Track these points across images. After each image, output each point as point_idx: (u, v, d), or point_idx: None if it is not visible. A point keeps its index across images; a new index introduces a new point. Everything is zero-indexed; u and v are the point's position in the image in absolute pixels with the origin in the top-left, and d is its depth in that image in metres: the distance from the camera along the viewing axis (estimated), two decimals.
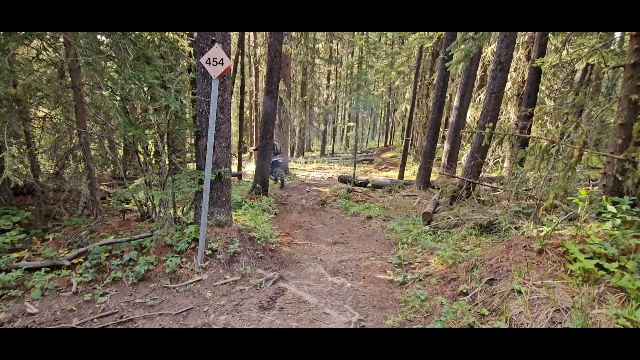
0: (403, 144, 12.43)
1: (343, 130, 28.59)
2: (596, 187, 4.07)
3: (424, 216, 6.03)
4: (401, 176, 11.81)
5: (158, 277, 3.63)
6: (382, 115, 32.32)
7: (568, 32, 6.72)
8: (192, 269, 3.76)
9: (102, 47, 4.39)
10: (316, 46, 19.52)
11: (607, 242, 2.50)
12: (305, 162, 19.25)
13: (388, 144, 28.32)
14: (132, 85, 4.00)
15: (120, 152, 7.42)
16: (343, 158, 20.85)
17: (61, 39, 4.48)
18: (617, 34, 10.31)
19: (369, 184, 10.32)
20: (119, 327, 2.86)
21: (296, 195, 9.86)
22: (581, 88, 7.61)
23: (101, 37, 4.83)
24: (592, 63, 7.60)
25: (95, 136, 5.88)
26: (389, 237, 5.73)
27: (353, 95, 10.06)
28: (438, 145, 14.67)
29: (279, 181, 10.71)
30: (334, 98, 24.55)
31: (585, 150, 3.41)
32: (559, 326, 1.94)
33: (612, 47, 8.21)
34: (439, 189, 7.77)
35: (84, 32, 4.17)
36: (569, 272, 2.41)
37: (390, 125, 28.98)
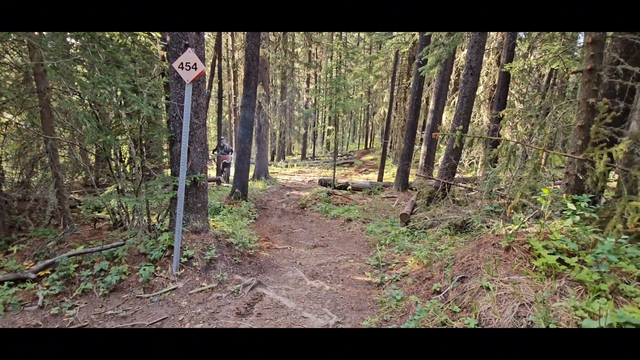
0: (382, 146, 12.63)
1: (323, 133, 28.73)
2: (559, 186, 4.29)
3: (402, 217, 6.15)
4: (380, 178, 11.98)
5: (131, 287, 3.52)
6: (362, 119, 32.70)
7: (533, 38, 7.06)
8: (167, 278, 3.67)
9: (71, 51, 4.26)
10: (295, 50, 19.58)
11: (568, 238, 2.64)
12: (286, 166, 19.20)
13: (368, 146, 28.68)
14: (102, 90, 3.89)
15: (92, 158, 7.17)
16: (324, 161, 20.94)
17: (25, 42, 4.30)
18: (580, 41, 10.91)
19: (349, 187, 10.42)
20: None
21: (276, 199, 9.82)
22: (547, 92, 8.00)
23: (70, 40, 4.67)
24: (556, 68, 8.00)
25: (65, 142, 5.67)
26: (368, 239, 5.79)
27: (332, 98, 10.15)
28: (416, 147, 15.01)
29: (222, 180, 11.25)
30: (313, 101, 24.64)
31: (549, 151, 3.58)
32: (523, 320, 2.03)
33: (575, 53, 8.67)
34: (416, 190, 7.93)
35: (50, 35, 4.03)
36: (533, 267, 2.53)
37: (370, 128, 29.37)
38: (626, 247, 2.52)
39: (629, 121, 6.52)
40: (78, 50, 4.20)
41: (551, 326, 1.86)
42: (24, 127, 5.07)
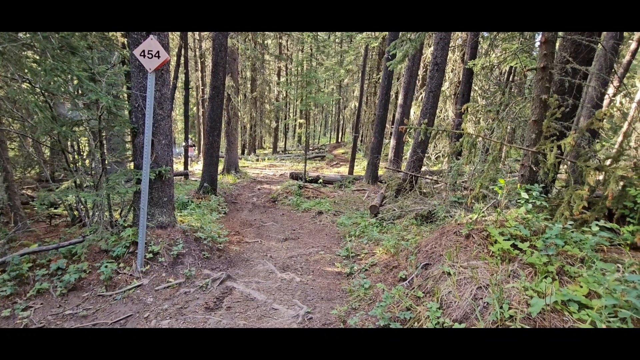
0: (353, 140, 12.79)
1: (295, 127, 28.59)
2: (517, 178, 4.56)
3: (371, 209, 6.29)
4: (351, 172, 12.15)
5: (92, 286, 3.36)
6: (333, 113, 32.87)
7: (493, 37, 7.41)
8: (131, 275, 3.54)
9: (20, 35, 3.93)
10: (265, 42, 19.22)
11: (521, 225, 2.83)
12: (257, 160, 18.95)
13: (339, 140, 28.91)
14: (56, 78, 3.63)
15: (46, 151, 6.70)
16: (295, 155, 20.87)
17: None
18: (537, 40, 11.55)
19: (320, 180, 10.48)
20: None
21: (247, 193, 9.69)
22: (506, 88, 8.44)
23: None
24: (514, 66, 8.45)
25: (14, 134, 5.25)
26: (339, 231, 5.89)
27: (303, 92, 10.11)
28: (386, 141, 15.34)
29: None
30: (285, 94, 24.41)
31: (506, 144, 3.80)
32: (480, 302, 2.17)
33: (534, 53, 9.18)
34: (386, 183, 8.14)
35: None
36: (490, 253, 2.70)
37: (341, 122, 29.59)
38: (572, 232, 2.75)
39: (578, 116, 7.04)
40: (27, 35, 3.88)
41: (504, 306, 2.00)
42: None
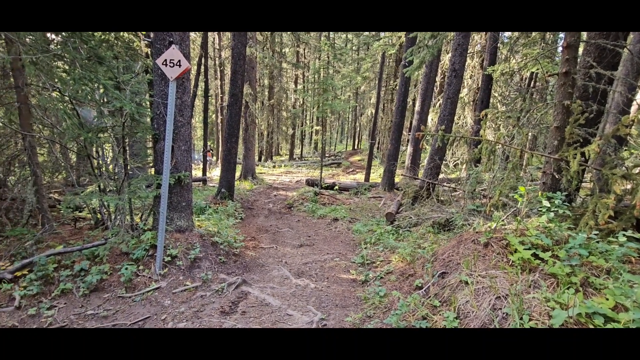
0: (369, 147, 12.75)
1: (311, 134, 28.77)
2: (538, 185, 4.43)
3: (387, 217, 6.23)
4: (367, 179, 12.09)
5: (112, 287, 3.46)
6: (350, 120, 32.90)
7: (513, 42, 7.27)
8: (149, 277, 3.63)
9: (51, 46, 4.16)
10: (283, 50, 19.55)
11: (543, 234, 2.74)
12: (274, 166, 19.14)
13: (356, 147, 28.85)
14: (83, 87, 3.81)
15: (73, 157, 7.00)
16: (311, 162, 20.97)
17: (2, 36, 4.18)
18: (559, 45, 11.27)
19: (336, 187, 10.47)
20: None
21: (263, 199, 9.79)
22: (527, 94, 8.24)
23: (50, 36, 4.57)
24: (535, 72, 8.25)
25: (44, 140, 5.51)
26: (354, 238, 5.85)
27: (320, 99, 10.19)
28: (402, 148, 15.20)
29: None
30: (301, 102, 24.66)
31: (526, 151, 3.70)
32: (499, 312, 2.10)
33: (557, 58, 8.95)
34: (402, 190, 8.05)
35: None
36: (510, 262, 2.61)
37: (358, 129, 29.56)
38: (597, 242, 2.63)
39: (603, 123, 6.78)
40: (58, 46, 4.11)
41: (524, 317, 1.94)
42: (0, 124, 4.92)
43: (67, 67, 4.12)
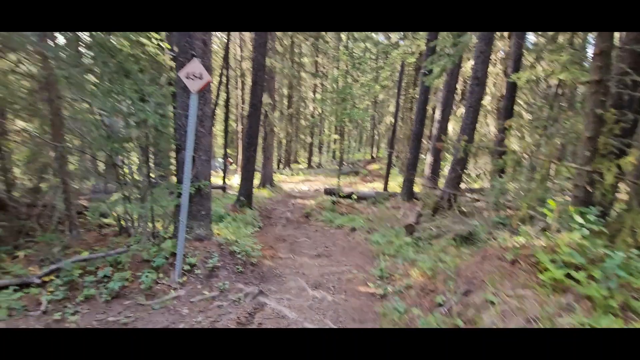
0: (387, 156, 12.61)
1: (329, 142, 28.82)
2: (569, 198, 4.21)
3: (407, 228, 6.09)
4: (385, 188, 11.93)
5: (133, 294, 3.52)
6: (368, 128, 32.74)
7: (540, 49, 7.04)
8: (169, 285, 3.67)
9: (84, 60, 4.36)
10: (302, 60, 19.81)
11: (576, 252, 2.58)
12: (292, 174, 19.25)
13: (374, 156, 28.62)
14: (110, 99, 3.96)
15: (102, 166, 7.27)
16: (329, 170, 20.95)
17: (38, 52, 4.42)
18: (589, 52, 10.85)
19: (354, 196, 10.38)
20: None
21: (281, 207, 9.82)
22: (554, 102, 7.94)
23: (82, 50, 4.80)
24: (564, 79, 7.95)
25: (75, 150, 5.76)
26: (372, 249, 5.74)
27: (338, 108, 10.20)
28: (422, 157, 14.94)
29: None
30: (320, 111, 24.80)
31: (555, 162, 3.53)
32: None
33: (585, 64, 8.60)
34: (422, 200, 7.87)
35: (62, 46, 4.14)
36: (539, 281, 2.47)
37: (376, 137, 29.37)
38: (637, 261, 2.44)
39: None
40: (88, 60, 4.30)
41: None
42: (35, 134, 5.18)
43: (96, 81, 4.30)
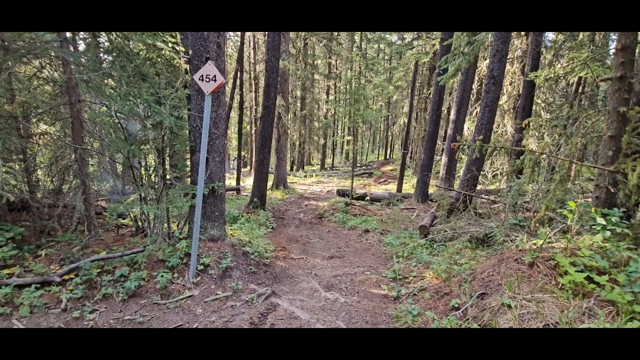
0: (401, 157, 12.49)
1: (342, 144, 28.76)
2: (590, 199, 4.06)
3: (421, 229, 6.00)
4: (399, 189, 11.80)
5: (149, 293, 3.59)
6: (381, 129, 32.54)
7: (559, 46, 6.84)
8: (183, 285, 3.72)
9: (104, 65, 4.50)
10: (315, 62, 19.86)
11: (597, 255, 2.48)
12: (305, 176, 19.29)
13: (388, 157, 28.42)
14: (128, 102, 4.07)
15: (119, 167, 7.47)
16: (342, 172, 20.90)
17: (60, 57, 4.58)
18: (610, 48, 10.47)
19: (368, 198, 10.31)
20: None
21: (294, 209, 9.85)
22: (575, 101, 7.68)
23: (103, 56, 4.95)
24: (584, 76, 7.69)
25: (94, 152, 5.94)
26: (386, 251, 5.68)
27: (351, 109, 10.16)
28: (436, 158, 14.73)
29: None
30: (333, 112, 24.80)
31: (576, 162, 3.41)
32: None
33: (607, 61, 8.31)
34: (436, 202, 7.75)
35: (83, 51, 4.28)
36: (559, 285, 2.38)
37: (390, 138, 29.16)
38: None
39: None
40: (107, 65, 4.43)
41: None
42: (56, 137, 5.36)
43: (114, 84, 4.42)
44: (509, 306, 2.32)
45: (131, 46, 4.63)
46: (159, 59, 4.75)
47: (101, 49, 4.84)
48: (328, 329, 2.70)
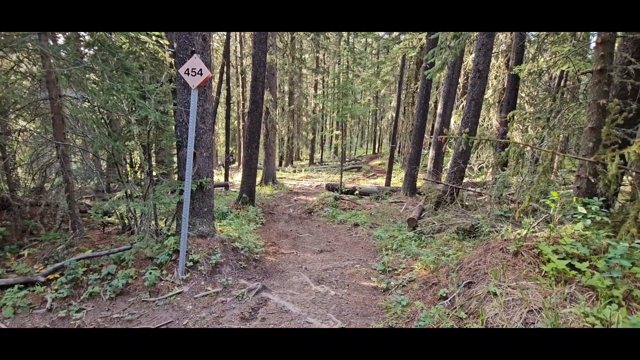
0: (389, 151, 12.58)
1: (331, 138, 28.75)
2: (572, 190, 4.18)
3: (409, 222, 6.08)
4: (388, 183, 11.90)
5: (137, 291, 3.55)
6: (370, 124, 32.65)
7: (541, 40, 6.97)
8: (172, 282, 3.69)
9: (85, 59, 4.37)
10: (302, 56, 19.72)
11: (578, 243, 2.56)
12: (294, 171, 19.24)
13: (376, 151, 28.58)
14: (111, 97, 3.97)
15: (104, 164, 7.31)
16: (331, 166, 20.92)
17: (38, 51, 4.43)
18: (592, 41, 10.72)
19: (357, 192, 10.36)
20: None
21: (284, 204, 9.83)
22: (557, 94, 7.87)
23: (83, 50, 4.80)
24: (566, 70, 7.87)
25: (77, 149, 5.78)
26: (375, 244, 5.74)
27: (340, 103, 10.16)
28: (424, 151, 14.89)
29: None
30: (321, 107, 24.72)
31: (558, 153, 3.50)
32: (532, 327, 1.96)
33: (588, 55, 8.51)
34: (424, 195, 7.85)
35: (62, 44, 4.14)
36: (542, 273, 2.46)
37: (378, 133, 29.30)
38: None
39: None
40: (89, 59, 4.31)
41: None
42: (37, 133, 5.20)
43: (96, 79, 4.30)
44: (495, 294, 2.39)
45: (113, 39, 4.50)
46: (143, 53, 4.64)
47: (82, 42, 4.69)
48: (328, 329, 2.72)
